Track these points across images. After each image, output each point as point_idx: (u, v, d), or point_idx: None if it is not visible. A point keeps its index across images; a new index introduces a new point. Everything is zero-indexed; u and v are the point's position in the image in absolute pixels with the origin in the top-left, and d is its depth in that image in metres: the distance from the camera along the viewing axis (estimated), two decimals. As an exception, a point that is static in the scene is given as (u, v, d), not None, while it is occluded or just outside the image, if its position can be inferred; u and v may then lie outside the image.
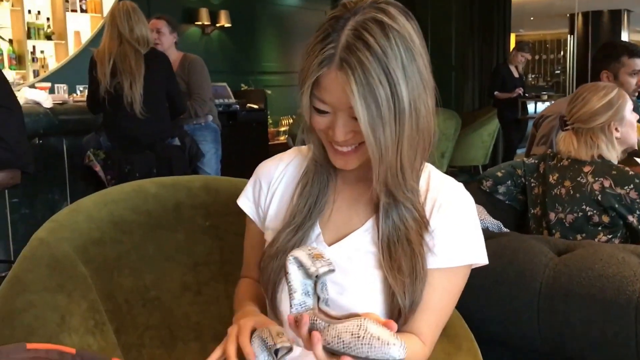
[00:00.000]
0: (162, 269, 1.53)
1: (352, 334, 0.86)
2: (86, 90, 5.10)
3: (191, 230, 1.58)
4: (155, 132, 3.60)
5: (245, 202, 1.29)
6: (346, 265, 1.15)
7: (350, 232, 1.17)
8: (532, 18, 14.37)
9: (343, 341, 0.87)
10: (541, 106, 9.27)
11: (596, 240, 2.13)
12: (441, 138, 6.91)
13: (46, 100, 4.20)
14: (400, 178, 1.08)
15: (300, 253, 0.96)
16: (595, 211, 2.12)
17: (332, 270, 0.95)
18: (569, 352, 1.59)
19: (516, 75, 7.53)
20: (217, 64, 6.96)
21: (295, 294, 0.94)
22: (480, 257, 1.17)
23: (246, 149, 5.91)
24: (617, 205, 2.09)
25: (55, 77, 5.75)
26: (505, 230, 2.04)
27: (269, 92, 7.11)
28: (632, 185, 2.07)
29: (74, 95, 5.15)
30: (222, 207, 1.58)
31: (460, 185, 1.20)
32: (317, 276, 0.94)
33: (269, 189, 1.25)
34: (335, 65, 1.00)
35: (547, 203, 2.24)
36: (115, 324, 1.42)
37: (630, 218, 2.08)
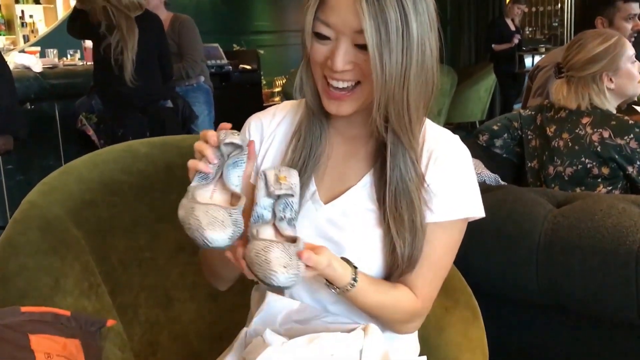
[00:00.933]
0: (156, 230, 1.52)
1: (255, 251, 0.94)
2: (77, 54, 5.03)
3: (184, 191, 1.55)
4: (148, 95, 3.55)
5: None
6: (344, 224, 1.13)
7: (346, 188, 1.15)
8: (527, -30, 14.16)
9: (248, 255, 0.95)
10: (539, 59, 9.18)
11: (596, 192, 2.10)
12: (437, 94, 6.82)
13: (36, 65, 4.16)
14: (407, 120, 1.05)
15: (269, 172, 1.04)
16: (594, 163, 2.09)
17: (290, 195, 1.02)
18: (568, 303, 1.58)
19: (513, 28, 7.44)
20: (208, 24, 6.85)
21: (256, 207, 1.02)
22: (476, 210, 1.15)
23: (240, 111, 5.83)
24: (617, 156, 2.05)
25: (45, 42, 5.67)
26: (503, 183, 2.02)
27: (261, 52, 7.03)
28: (632, 135, 2.03)
29: (64, 59, 5.10)
30: (215, 166, 1.55)
31: (456, 137, 1.18)
32: (278, 196, 1.01)
33: (262, 146, 1.22)
34: None
35: (546, 156, 2.22)
36: (110, 286, 1.41)
37: (630, 169, 2.05)
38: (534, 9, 10.20)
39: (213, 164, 1.01)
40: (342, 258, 1.05)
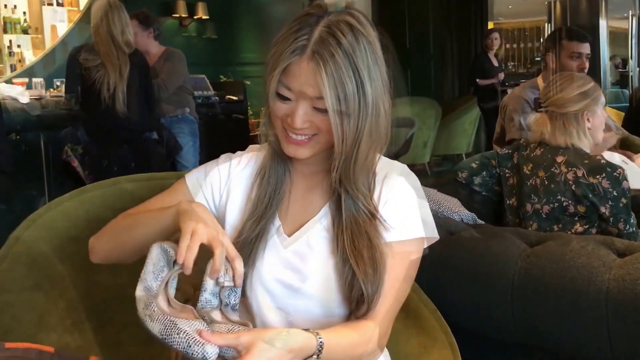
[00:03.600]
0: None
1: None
2: (63, 85, 5.04)
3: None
4: (133, 127, 3.58)
5: (195, 179, 1.30)
6: (306, 253, 1.20)
7: (307, 220, 1.22)
8: (510, 6, 14.39)
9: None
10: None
11: (572, 230, 2.14)
12: (422, 127, 6.93)
13: (23, 96, 4.16)
14: (351, 172, 1.14)
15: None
16: (570, 201, 2.13)
17: (234, 286, 1.08)
18: (543, 341, 1.61)
19: (496, 64, 7.52)
20: (195, 56, 6.91)
21: (204, 292, 1.08)
22: (428, 230, 1.22)
23: (226, 141, 5.87)
24: (590, 195, 2.10)
25: (32, 72, 5.69)
26: (480, 222, 2.05)
27: (248, 83, 7.08)
28: (604, 174, 2.08)
29: (51, 90, 5.11)
30: (199, 204, 1.58)
31: (404, 166, 1.27)
32: (222, 286, 1.08)
33: (226, 186, 1.27)
34: (307, 55, 1.08)
35: (523, 194, 2.26)
36: (94, 322, 1.43)
37: (603, 209, 2.10)
38: (515, 45, 10.38)
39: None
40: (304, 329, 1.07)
